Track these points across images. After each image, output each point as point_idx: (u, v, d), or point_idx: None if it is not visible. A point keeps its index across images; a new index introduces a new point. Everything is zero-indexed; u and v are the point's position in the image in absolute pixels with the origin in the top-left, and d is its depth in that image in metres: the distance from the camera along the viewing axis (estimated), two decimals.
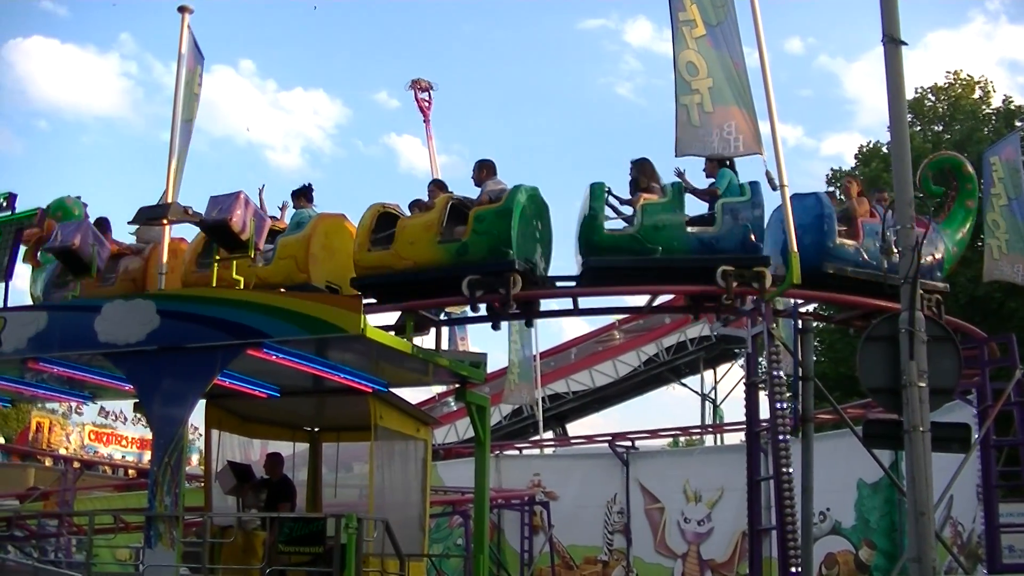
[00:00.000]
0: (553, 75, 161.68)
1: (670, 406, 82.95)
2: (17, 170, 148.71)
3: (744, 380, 17.17)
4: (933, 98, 39.11)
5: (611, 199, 15.75)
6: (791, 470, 14.54)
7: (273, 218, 17.21)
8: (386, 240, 15.73)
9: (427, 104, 63.99)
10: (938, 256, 16.70)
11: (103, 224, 18.04)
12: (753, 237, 15.27)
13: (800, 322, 14.89)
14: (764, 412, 16.01)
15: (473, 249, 15.47)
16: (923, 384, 10.78)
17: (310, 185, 17.22)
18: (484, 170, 16.34)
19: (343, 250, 16.37)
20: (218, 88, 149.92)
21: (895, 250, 14.17)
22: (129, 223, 15.38)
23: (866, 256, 16.08)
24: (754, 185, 15.45)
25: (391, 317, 16.75)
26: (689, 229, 15.36)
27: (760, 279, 15.01)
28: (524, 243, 15.54)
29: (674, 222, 15.36)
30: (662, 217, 15.32)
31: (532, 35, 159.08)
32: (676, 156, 14.97)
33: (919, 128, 37.18)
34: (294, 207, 17.00)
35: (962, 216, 17.62)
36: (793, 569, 14.14)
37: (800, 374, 14.34)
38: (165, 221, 15.10)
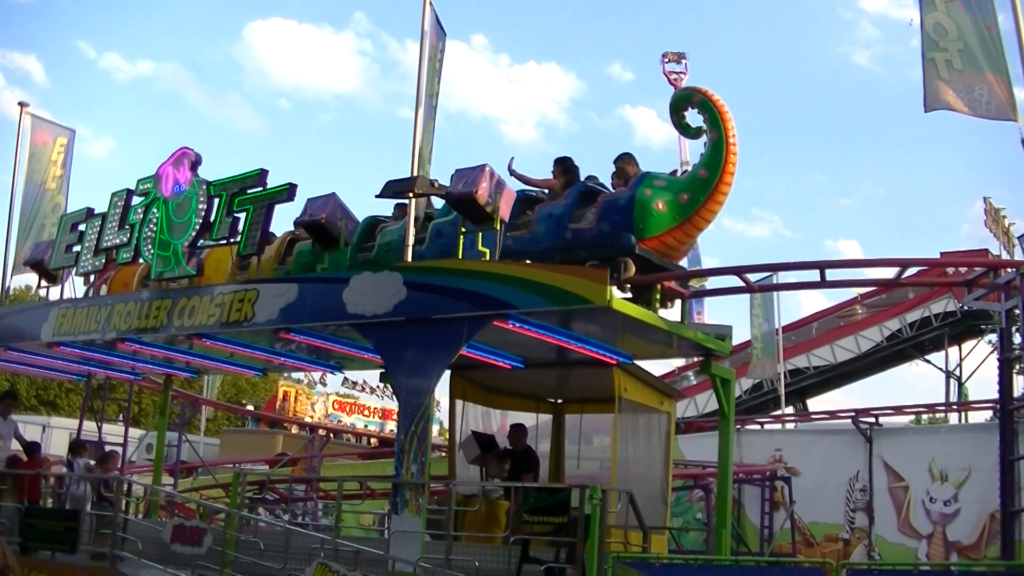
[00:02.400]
0: (788, 44, 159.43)
1: (912, 383, 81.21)
2: (260, 148, 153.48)
3: (997, 355, 16.61)
4: None
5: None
6: None
7: None
8: None
9: (677, 76, 63.83)
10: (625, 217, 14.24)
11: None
12: None
13: None
14: (1017, 389, 15.51)
15: None
16: None
17: None
18: None
19: None
20: (451, 63, 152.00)
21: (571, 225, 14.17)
22: (376, 197, 15.62)
23: (537, 241, 14.82)
24: None
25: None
26: None
27: None
28: None
29: None
30: None
31: (765, 3, 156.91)
32: (925, 111, 14.54)
33: None
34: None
35: (708, 152, 14.34)
36: None
37: None
38: (411, 194, 15.28)
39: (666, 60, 66.25)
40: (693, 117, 14.42)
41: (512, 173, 15.93)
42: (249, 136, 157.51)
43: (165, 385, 23.73)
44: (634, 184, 14.51)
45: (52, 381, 66.34)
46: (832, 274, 16.61)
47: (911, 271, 17.26)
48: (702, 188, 14.26)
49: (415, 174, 15.72)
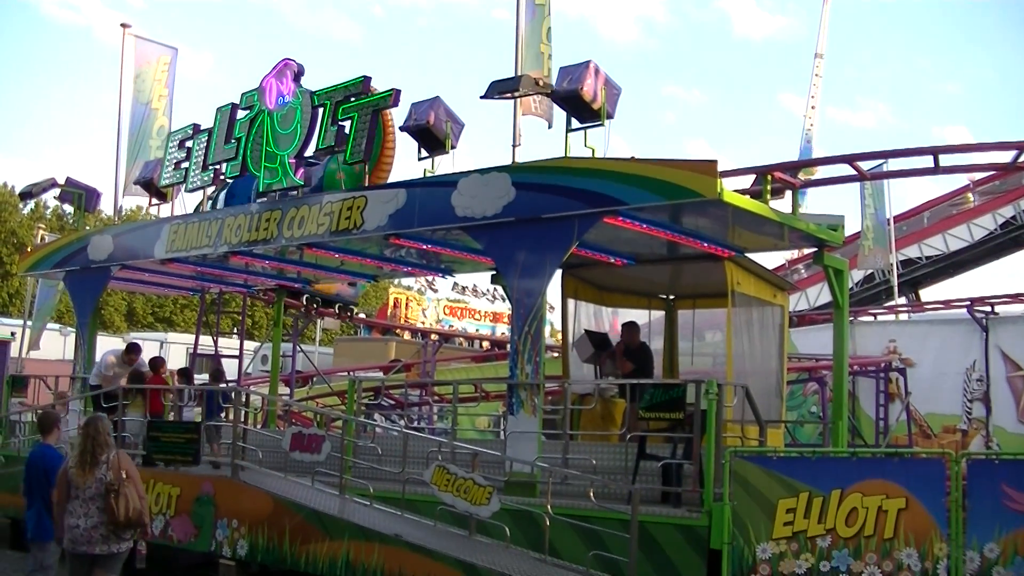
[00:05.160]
0: None
1: None
2: (357, 57, 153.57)
3: None
4: None
5: None
6: None
7: None
8: None
9: None
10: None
11: None
12: None
13: None
14: None
15: None
16: None
17: None
18: None
19: None
20: None
21: None
22: (482, 97, 15.50)
23: None
24: None
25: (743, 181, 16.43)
26: None
27: None
28: None
29: None
30: None
31: None
32: None
33: None
34: None
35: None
36: None
37: None
38: (517, 93, 15.17)
39: None
40: None
41: None
42: (346, 46, 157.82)
43: (277, 296, 24.00)
44: (327, 160, 17.24)
45: (167, 298, 67.78)
46: (946, 159, 16.34)
47: None
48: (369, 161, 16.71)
49: (519, 73, 15.60)
